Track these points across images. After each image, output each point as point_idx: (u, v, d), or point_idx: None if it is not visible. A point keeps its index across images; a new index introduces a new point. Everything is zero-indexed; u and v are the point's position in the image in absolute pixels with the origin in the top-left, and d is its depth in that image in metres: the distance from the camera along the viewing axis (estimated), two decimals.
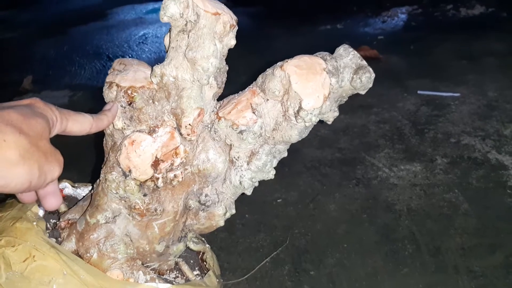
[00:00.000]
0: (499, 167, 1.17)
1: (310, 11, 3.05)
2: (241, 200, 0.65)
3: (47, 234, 0.55)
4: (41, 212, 0.59)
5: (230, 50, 0.55)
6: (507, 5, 2.59)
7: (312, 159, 1.32)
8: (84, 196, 0.66)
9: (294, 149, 0.62)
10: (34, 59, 2.74)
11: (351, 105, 1.55)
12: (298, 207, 1.13)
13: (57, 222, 0.60)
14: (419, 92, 1.66)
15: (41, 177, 0.36)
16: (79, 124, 0.44)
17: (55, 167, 0.38)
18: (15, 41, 3.26)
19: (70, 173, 0.69)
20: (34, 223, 0.54)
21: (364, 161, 1.28)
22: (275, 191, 1.19)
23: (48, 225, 0.59)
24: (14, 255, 0.49)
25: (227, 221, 0.64)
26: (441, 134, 1.37)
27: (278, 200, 1.16)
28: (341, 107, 0.58)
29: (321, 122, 0.60)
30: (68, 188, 0.71)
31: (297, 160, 1.31)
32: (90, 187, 0.70)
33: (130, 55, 2.58)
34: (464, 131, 1.36)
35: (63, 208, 0.64)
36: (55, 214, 0.63)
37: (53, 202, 0.42)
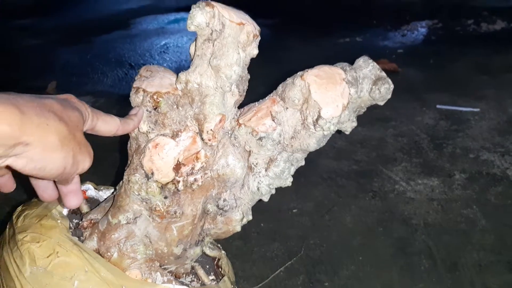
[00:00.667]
0: None
1: (328, 24, 3.07)
2: (257, 209, 0.65)
3: (70, 232, 0.57)
4: (65, 212, 0.61)
5: (250, 59, 0.56)
6: None
7: (328, 170, 1.32)
8: (106, 198, 0.68)
9: (310, 159, 0.63)
10: (57, 65, 2.81)
11: (369, 118, 1.55)
12: (313, 217, 1.13)
13: (80, 222, 0.62)
14: (438, 106, 1.65)
15: (74, 166, 0.38)
16: (107, 124, 0.46)
17: (87, 158, 0.40)
18: (39, 47, 3.35)
19: (93, 175, 0.71)
20: (59, 221, 0.56)
21: (381, 174, 1.28)
22: (291, 201, 1.19)
23: (71, 225, 0.61)
24: (39, 251, 0.51)
25: (242, 229, 0.65)
26: (459, 149, 1.36)
27: (294, 210, 1.16)
28: (359, 119, 0.59)
29: (339, 132, 0.61)
30: (91, 190, 0.73)
31: (313, 170, 1.31)
32: (112, 190, 0.72)
33: (152, 64, 2.63)
34: (483, 147, 1.35)
35: (85, 209, 0.66)
36: (78, 214, 0.65)
37: (74, 200, 0.44)
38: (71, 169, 0.38)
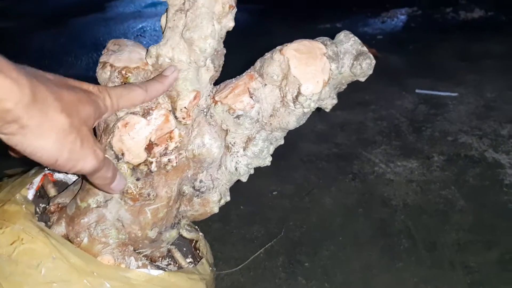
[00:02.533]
0: (496, 165, 1.16)
1: (309, 10, 3.05)
2: (236, 191, 0.64)
3: (36, 218, 0.53)
4: (30, 196, 0.58)
5: (229, 45, 0.54)
6: (506, 9, 2.60)
7: (308, 153, 1.31)
8: (75, 181, 0.65)
9: (290, 142, 0.61)
10: (30, 49, 2.72)
11: (349, 101, 1.55)
12: (293, 199, 1.12)
13: (47, 206, 0.59)
14: (417, 91, 1.65)
15: (70, 161, 0.36)
16: (131, 101, 0.46)
17: (88, 157, 0.38)
18: (12, 31, 3.23)
19: None
20: (23, 206, 0.52)
21: (361, 156, 1.27)
22: (270, 184, 1.18)
23: (37, 210, 0.58)
24: (1, 238, 0.48)
25: (221, 211, 0.63)
26: (438, 132, 1.37)
27: (274, 193, 1.15)
28: (338, 103, 0.58)
29: (318, 110, 0.59)
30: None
31: (293, 153, 1.30)
32: None
33: None
34: (462, 130, 1.36)
35: (52, 192, 0.62)
36: (45, 198, 0.61)
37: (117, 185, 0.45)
38: (67, 164, 0.37)
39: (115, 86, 0.48)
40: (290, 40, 0.56)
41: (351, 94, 0.57)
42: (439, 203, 1.06)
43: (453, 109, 1.50)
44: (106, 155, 0.51)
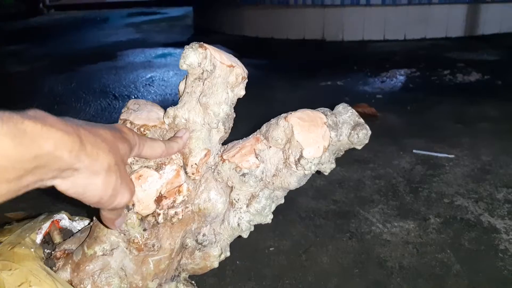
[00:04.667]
0: (491, 230, 1.18)
1: (311, 67, 3.18)
2: (233, 246, 0.66)
3: (43, 262, 0.55)
4: (38, 240, 0.60)
5: (237, 99, 0.59)
6: (503, 74, 2.71)
7: (306, 209, 1.33)
8: (81, 229, 0.67)
9: (289, 198, 0.64)
10: (41, 92, 2.80)
11: (348, 159, 1.59)
12: (290, 256, 1.12)
13: (52, 252, 0.60)
14: (414, 151, 1.70)
15: (112, 198, 0.39)
16: (153, 150, 0.48)
17: (126, 192, 0.41)
18: (24, 74, 3.35)
19: (68, 205, 0.70)
20: (32, 249, 0.55)
21: (359, 215, 1.29)
22: (268, 239, 1.19)
23: (43, 255, 0.60)
24: (10, 279, 0.49)
25: (217, 267, 0.64)
26: (435, 193, 1.39)
27: (271, 249, 1.15)
28: (338, 160, 0.61)
29: (318, 173, 0.63)
30: (65, 220, 0.71)
31: (291, 209, 1.32)
32: (86, 221, 0.71)
33: (136, 96, 2.65)
34: (458, 193, 1.39)
35: (58, 239, 0.64)
36: (50, 244, 0.63)
37: (111, 226, 0.47)
38: (109, 200, 0.39)
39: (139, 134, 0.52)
40: (292, 95, 0.61)
41: (350, 152, 0.61)
42: (435, 266, 1.06)
43: (449, 171, 1.54)
44: None
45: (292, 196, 0.62)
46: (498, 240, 1.13)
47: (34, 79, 3.15)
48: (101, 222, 0.51)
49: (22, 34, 5.47)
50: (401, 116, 2.09)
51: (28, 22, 6.46)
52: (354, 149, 0.62)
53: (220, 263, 0.65)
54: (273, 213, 0.63)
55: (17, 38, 5.08)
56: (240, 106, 0.62)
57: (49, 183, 0.34)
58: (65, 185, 0.35)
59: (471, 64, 2.94)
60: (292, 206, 1.33)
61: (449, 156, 1.64)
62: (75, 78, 3.08)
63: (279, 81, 2.77)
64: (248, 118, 0.61)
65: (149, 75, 3.07)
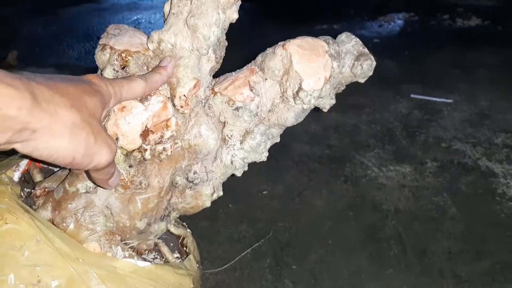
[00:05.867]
0: (489, 174, 1.17)
1: (306, 11, 3.05)
2: (225, 189, 0.62)
3: (21, 200, 0.51)
4: (16, 178, 0.55)
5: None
6: (503, 19, 2.63)
7: (300, 154, 1.30)
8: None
9: (283, 142, 0.60)
10: (21, 36, 2.67)
11: (343, 104, 1.54)
12: (283, 200, 1.11)
13: (32, 191, 0.56)
14: (412, 95, 1.66)
15: (87, 157, 0.36)
16: (132, 90, 0.44)
17: (103, 150, 0.37)
18: (3, 17, 3.17)
19: None
20: (9, 186, 0.50)
21: (354, 159, 1.27)
22: (260, 183, 1.16)
23: (22, 194, 0.56)
24: None
25: (209, 209, 0.61)
26: (432, 138, 1.37)
27: (264, 192, 1.13)
28: (332, 106, 0.56)
29: (316, 110, 0.59)
30: None
31: (285, 154, 1.29)
32: None
33: None
34: (455, 137, 1.36)
35: (38, 178, 0.60)
36: (30, 183, 0.59)
37: (106, 187, 0.44)
38: (83, 160, 0.35)
39: (114, 78, 0.47)
40: (284, 40, 0.55)
41: (345, 97, 0.57)
42: (431, 210, 1.06)
43: (447, 116, 1.51)
44: None
45: (285, 141, 0.58)
46: (495, 184, 1.12)
47: (13, 22, 2.99)
48: (95, 183, 0.46)
49: None
50: (398, 61, 2.03)
51: None
52: (350, 92, 0.57)
53: (212, 205, 0.62)
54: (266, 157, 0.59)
55: None
56: (228, 52, 0.56)
57: (6, 147, 0.31)
58: (27, 150, 0.32)
59: (470, 9, 2.84)
60: (286, 151, 1.29)
61: (447, 100, 1.61)
62: (56, 21, 2.93)
63: (272, 25, 2.66)
64: (238, 65, 0.55)
65: (135, 17, 2.94)
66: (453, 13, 2.79)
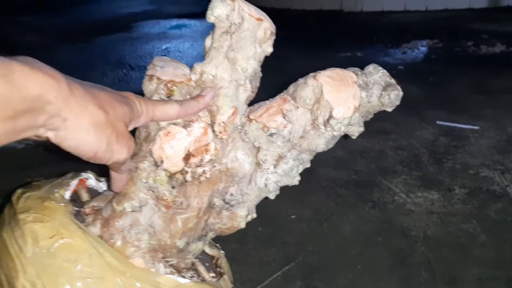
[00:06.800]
0: None
1: (329, 38, 3.10)
2: None
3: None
4: (67, 196, 0.60)
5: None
6: None
7: (327, 179, 1.32)
8: (107, 188, 0.67)
9: (309, 168, 0.63)
10: (56, 63, 2.77)
11: (369, 130, 1.55)
12: (311, 224, 1.12)
13: (81, 209, 0.60)
14: (437, 122, 1.66)
15: (107, 153, 0.40)
16: (165, 112, 0.49)
17: (123, 149, 0.42)
18: (37, 44, 3.34)
19: (94, 165, 0.70)
20: (62, 204, 0.54)
21: (381, 185, 1.27)
22: (288, 207, 1.18)
23: (72, 210, 0.60)
24: (42, 231, 0.49)
25: (239, 232, 0.64)
26: (459, 164, 1.36)
27: (292, 216, 1.15)
28: None
29: (345, 137, 0.61)
30: (91, 179, 0.71)
31: (312, 178, 1.31)
32: None
33: None
34: (483, 164, 1.36)
35: (85, 197, 0.64)
36: (77, 202, 0.63)
37: (118, 186, 0.50)
38: (104, 155, 0.40)
39: (152, 99, 0.52)
40: (308, 66, 0.59)
41: (371, 122, 0.59)
42: (460, 236, 1.05)
43: (474, 142, 1.50)
44: (145, 161, 0.53)
45: (312, 165, 0.61)
46: None
47: (48, 50, 3.14)
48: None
49: (31, 4, 5.44)
50: (423, 88, 2.04)
51: None
52: (376, 118, 0.60)
53: (242, 229, 0.65)
54: None
55: (26, 8, 5.05)
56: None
57: (42, 132, 0.35)
58: (58, 138, 0.36)
59: (495, 36, 2.83)
60: (312, 175, 1.31)
61: (474, 127, 1.60)
62: (90, 49, 3.07)
63: (296, 52, 2.71)
64: (265, 89, 0.59)
65: (165, 46, 3.05)
66: (477, 39, 2.79)
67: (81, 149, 0.38)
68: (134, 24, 3.84)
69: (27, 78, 0.32)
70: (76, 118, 0.36)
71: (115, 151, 0.41)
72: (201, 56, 0.56)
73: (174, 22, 3.85)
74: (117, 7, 4.92)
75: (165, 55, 2.95)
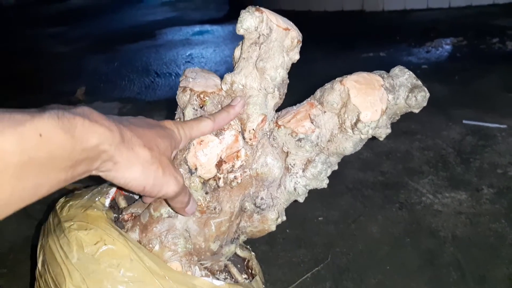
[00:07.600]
0: None
1: (351, 39, 3.09)
2: None
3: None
4: (106, 204, 0.63)
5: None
6: None
7: (354, 180, 1.32)
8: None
9: (335, 170, 0.64)
10: (86, 72, 2.89)
11: (395, 130, 1.54)
12: (339, 226, 1.13)
13: (120, 216, 0.64)
14: (464, 121, 1.64)
15: (155, 187, 0.43)
16: (201, 130, 0.53)
17: (171, 182, 0.45)
18: (67, 55, 3.46)
19: None
20: (103, 211, 0.58)
21: (407, 186, 1.27)
22: (316, 209, 1.19)
23: (112, 217, 0.63)
24: (86, 238, 0.53)
25: (268, 234, 0.66)
26: (487, 164, 1.35)
27: (320, 218, 1.16)
28: None
29: (372, 139, 0.63)
30: None
31: (338, 180, 1.32)
32: None
33: (177, 73, 2.69)
34: (511, 163, 1.34)
35: (122, 204, 0.68)
36: (115, 208, 0.67)
37: (190, 209, 0.53)
38: (153, 189, 0.43)
39: (186, 120, 0.55)
40: (332, 67, 0.60)
41: (397, 123, 0.60)
42: (489, 236, 1.04)
43: (502, 141, 1.48)
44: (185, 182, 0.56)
45: (338, 168, 0.63)
46: None
47: (78, 59, 3.25)
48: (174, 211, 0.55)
49: (59, 16, 5.63)
50: (449, 87, 2.01)
51: (63, 5, 6.62)
52: (401, 119, 0.61)
53: (271, 231, 0.67)
54: None
55: (55, 20, 5.23)
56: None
57: (94, 173, 0.38)
58: (108, 177, 0.39)
59: None
60: (339, 177, 1.32)
61: (501, 126, 1.57)
62: (117, 57, 3.15)
63: (319, 54, 2.71)
64: (289, 91, 0.61)
65: (188, 53, 3.10)
66: (502, 36, 2.72)
67: (130, 185, 0.41)
68: (157, 32, 3.92)
69: (87, 131, 0.35)
70: (125, 160, 0.39)
71: (163, 184, 0.44)
72: (224, 62, 0.59)
73: (197, 28, 3.91)
74: (141, 16, 5.03)
75: (189, 62, 3.00)
